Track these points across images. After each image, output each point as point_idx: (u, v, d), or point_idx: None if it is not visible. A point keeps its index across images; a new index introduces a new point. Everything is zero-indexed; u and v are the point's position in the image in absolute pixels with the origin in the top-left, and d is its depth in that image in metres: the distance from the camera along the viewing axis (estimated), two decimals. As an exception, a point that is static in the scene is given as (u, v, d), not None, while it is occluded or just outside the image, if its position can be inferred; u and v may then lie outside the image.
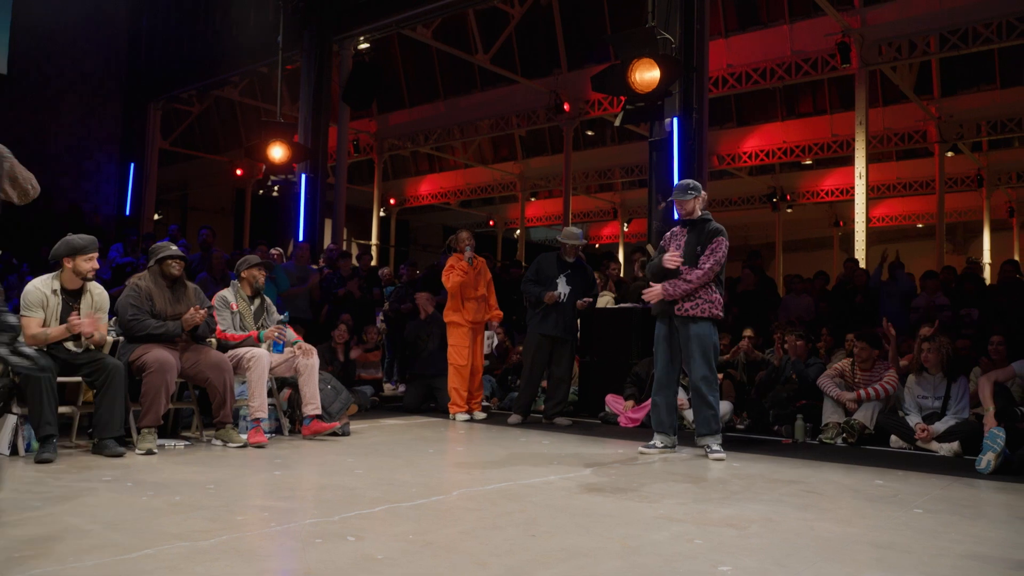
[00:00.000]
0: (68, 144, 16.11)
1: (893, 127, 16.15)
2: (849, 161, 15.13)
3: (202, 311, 5.00)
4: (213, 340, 5.46)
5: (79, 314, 4.65)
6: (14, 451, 4.41)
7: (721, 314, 5.08)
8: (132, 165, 16.10)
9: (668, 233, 5.30)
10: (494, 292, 7.14)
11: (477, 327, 6.98)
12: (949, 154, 16.37)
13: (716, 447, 4.97)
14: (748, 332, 7.26)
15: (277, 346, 5.43)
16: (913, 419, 5.63)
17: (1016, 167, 18.22)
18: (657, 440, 5.15)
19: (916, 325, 7.14)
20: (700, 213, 5.14)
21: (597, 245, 25.43)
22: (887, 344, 6.31)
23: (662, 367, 5.17)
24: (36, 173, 3.15)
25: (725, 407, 6.51)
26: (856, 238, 12.00)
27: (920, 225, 20.64)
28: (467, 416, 6.84)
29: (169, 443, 4.94)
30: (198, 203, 23.18)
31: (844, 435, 5.79)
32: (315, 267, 9.27)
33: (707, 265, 4.98)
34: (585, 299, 6.75)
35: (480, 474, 4.30)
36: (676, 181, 8.63)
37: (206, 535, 2.72)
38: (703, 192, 5.18)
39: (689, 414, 6.28)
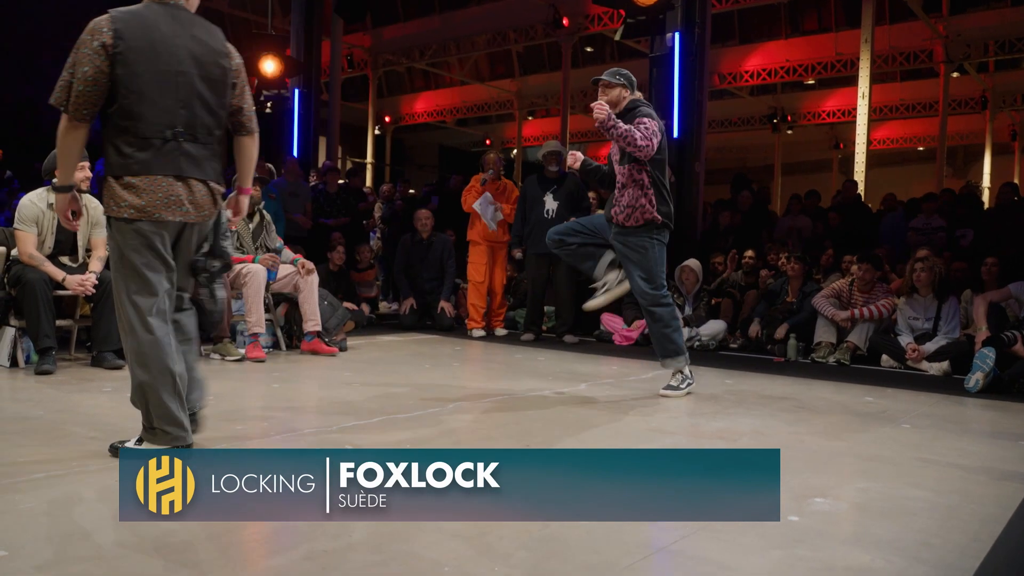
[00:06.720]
0: (55, 57, 15.69)
1: (899, 46, 15.77)
2: (852, 81, 14.85)
3: None
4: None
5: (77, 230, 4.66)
6: (14, 363, 4.46)
7: (657, 217, 4.09)
8: (122, 79, 15.74)
9: None
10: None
11: (497, 246, 7.02)
12: (955, 75, 16.07)
13: (673, 382, 4.14)
14: (750, 253, 7.26)
15: (271, 274, 5.49)
16: (904, 339, 5.69)
17: (1022, 89, 17.92)
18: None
19: (914, 245, 7.14)
20: (625, 105, 4.14)
21: (596, 166, 25.15)
22: (888, 269, 6.31)
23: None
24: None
25: (719, 326, 6.58)
26: (856, 159, 11.90)
27: (921, 148, 20.41)
28: (482, 332, 6.93)
29: (168, 357, 4.98)
30: (190, 119, 22.76)
31: (836, 357, 5.85)
32: (307, 183, 9.14)
33: (631, 127, 3.95)
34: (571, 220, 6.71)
35: (476, 388, 4.36)
36: (677, 99, 8.50)
37: (207, 443, 2.77)
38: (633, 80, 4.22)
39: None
